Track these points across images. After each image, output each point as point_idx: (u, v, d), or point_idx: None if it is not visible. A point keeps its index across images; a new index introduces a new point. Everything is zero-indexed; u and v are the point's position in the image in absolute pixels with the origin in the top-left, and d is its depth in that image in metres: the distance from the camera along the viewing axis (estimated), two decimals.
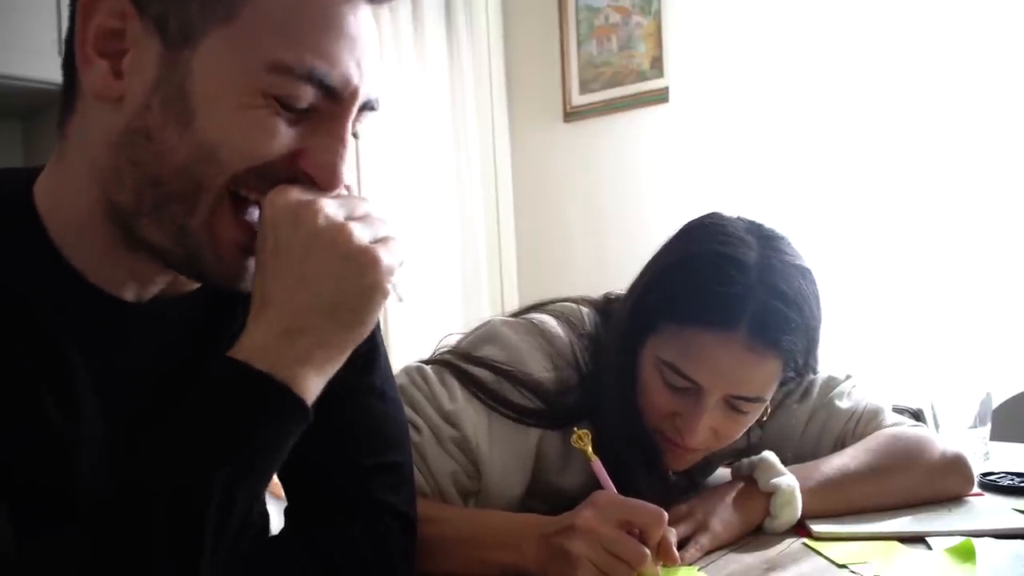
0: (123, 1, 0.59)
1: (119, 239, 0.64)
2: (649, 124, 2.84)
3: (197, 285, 0.72)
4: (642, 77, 2.87)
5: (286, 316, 0.62)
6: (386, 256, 0.62)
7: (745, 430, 1.03)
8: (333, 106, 0.62)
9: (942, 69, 2.25)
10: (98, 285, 0.66)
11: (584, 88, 3.00)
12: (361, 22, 0.62)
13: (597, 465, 0.86)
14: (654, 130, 2.82)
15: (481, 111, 3.09)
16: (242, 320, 0.65)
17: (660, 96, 2.80)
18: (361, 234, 0.62)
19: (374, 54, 0.63)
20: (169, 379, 0.70)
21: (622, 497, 0.83)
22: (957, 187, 2.24)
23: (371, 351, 0.81)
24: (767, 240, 1.00)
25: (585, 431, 0.88)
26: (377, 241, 0.63)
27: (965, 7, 2.22)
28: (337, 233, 0.61)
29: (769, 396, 1.00)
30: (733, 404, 0.98)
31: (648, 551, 0.79)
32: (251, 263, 0.65)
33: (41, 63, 1.95)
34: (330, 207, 0.62)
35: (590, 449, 0.87)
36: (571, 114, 3.03)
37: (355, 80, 0.61)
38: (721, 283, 0.94)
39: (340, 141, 0.63)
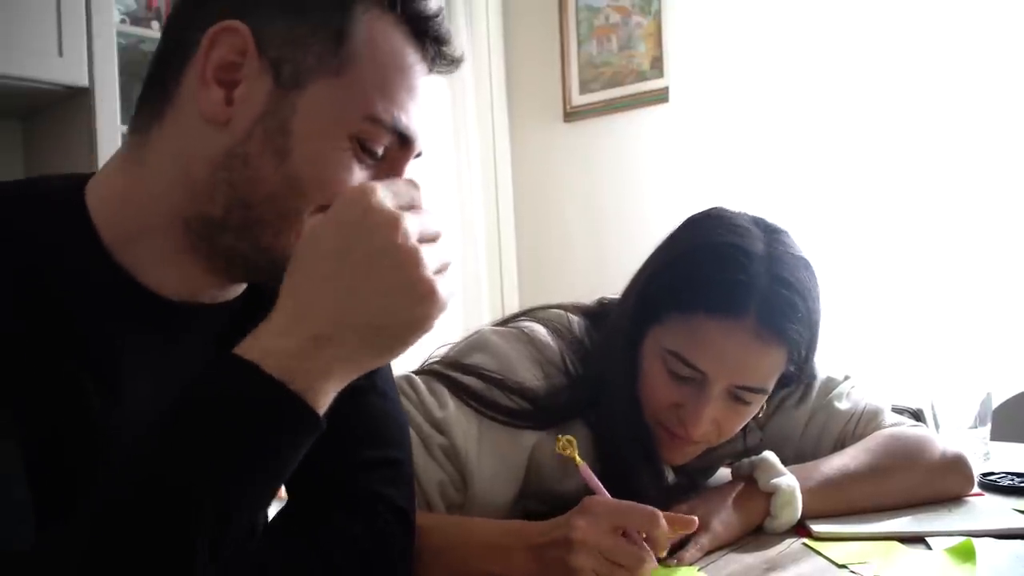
0: (247, 40, 0.66)
1: (190, 247, 0.69)
2: (649, 124, 2.84)
3: (239, 292, 0.75)
4: (642, 77, 2.87)
5: (322, 322, 0.59)
6: (443, 291, 0.61)
7: (745, 423, 1.03)
8: (397, 154, 0.71)
9: (942, 69, 2.25)
10: (147, 285, 0.69)
11: (584, 88, 3.00)
12: (428, 87, 0.72)
13: (586, 471, 0.86)
14: (654, 130, 2.82)
15: (481, 111, 3.09)
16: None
17: (660, 96, 2.80)
18: (430, 262, 0.61)
19: (430, 113, 0.74)
20: None
21: (614, 501, 0.83)
22: (957, 187, 2.24)
23: None
24: (771, 232, 1.01)
25: (570, 437, 0.87)
26: (439, 270, 0.62)
27: (965, 7, 2.22)
28: (408, 257, 0.59)
29: (771, 387, 1.00)
30: (736, 395, 0.97)
31: (646, 552, 0.79)
32: None
33: (41, 63, 1.95)
34: (410, 224, 0.61)
35: (577, 455, 0.86)
36: (571, 114, 3.03)
37: (418, 135, 0.71)
38: (728, 271, 0.95)
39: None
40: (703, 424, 0.97)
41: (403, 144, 0.70)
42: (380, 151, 0.69)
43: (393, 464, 0.81)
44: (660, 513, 0.80)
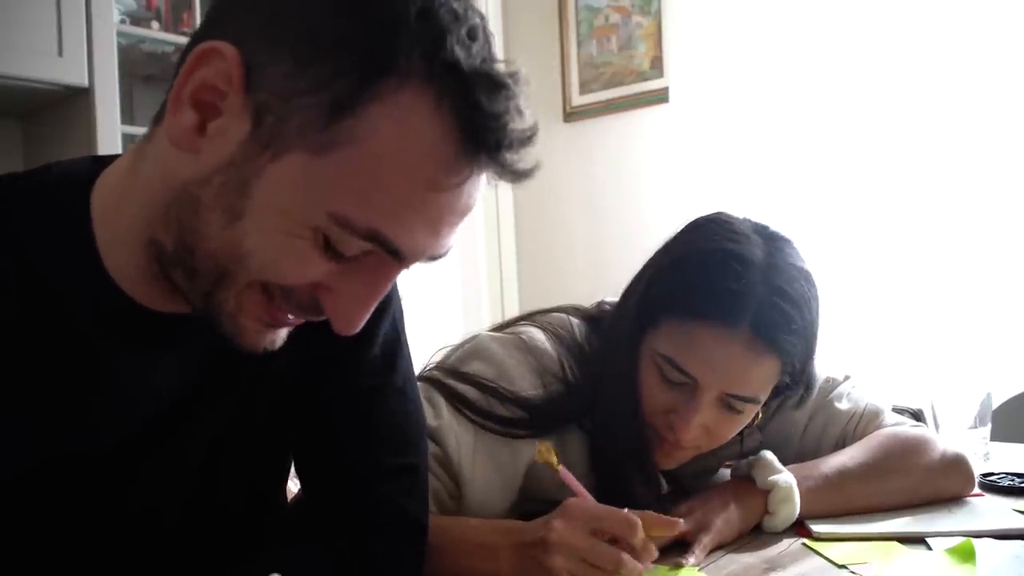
0: (235, 68, 0.56)
1: (153, 268, 0.63)
2: (649, 124, 2.84)
3: None
4: (642, 77, 2.87)
5: None
6: None
7: (738, 431, 1.03)
8: (380, 260, 0.59)
9: (942, 69, 2.25)
10: (135, 298, 0.65)
11: (584, 88, 2.99)
12: (463, 195, 0.58)
13: (566, 475, 0.86)
14: (654, 130, 2.82)
15: None
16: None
17: (660, 96, 2.80)
18: None
19: (464, 216, 0.60)
20: (194, 386, 0.70)
21: (593, 504, 0.83)
22: (957, 187, 2.24)
23: (394, 345, 0.79)
24: (772, 240, 1.00)
25: (547, 444, 0.87)
26: None
27: (965, 7, 2.22)
28: None
29: (764, 397, 1.00)
30: (728, 403, 0.97)
31: (624, 555, 0.78)
32: (274, 334, 0.63)
33: (41, 63, 1.95)
34: None
35: (555, 460, 0.86)
36: (571, 114, 3.02)
37: (426, 249, 0.59)
38: (725, 279, 0.94)
39: (375, 292, 0.61)
40: (692, 430, 0.97)
41: (392, 254, 0.58)
42: (351, 254, 0.58)
43: (411, 471, 0.80)
44: (639, 521, 0.79)
